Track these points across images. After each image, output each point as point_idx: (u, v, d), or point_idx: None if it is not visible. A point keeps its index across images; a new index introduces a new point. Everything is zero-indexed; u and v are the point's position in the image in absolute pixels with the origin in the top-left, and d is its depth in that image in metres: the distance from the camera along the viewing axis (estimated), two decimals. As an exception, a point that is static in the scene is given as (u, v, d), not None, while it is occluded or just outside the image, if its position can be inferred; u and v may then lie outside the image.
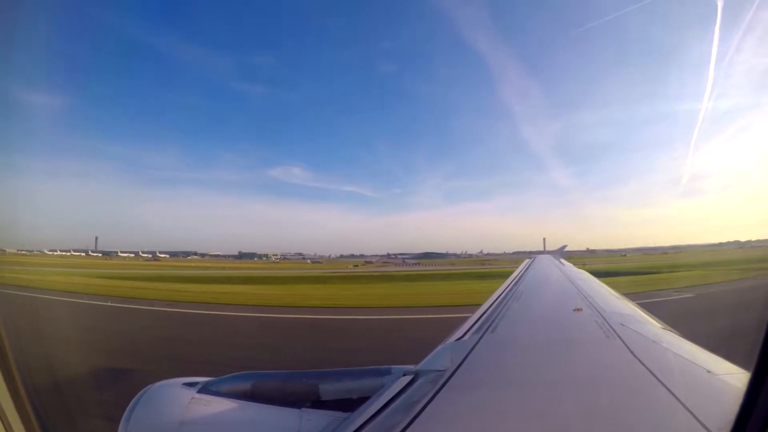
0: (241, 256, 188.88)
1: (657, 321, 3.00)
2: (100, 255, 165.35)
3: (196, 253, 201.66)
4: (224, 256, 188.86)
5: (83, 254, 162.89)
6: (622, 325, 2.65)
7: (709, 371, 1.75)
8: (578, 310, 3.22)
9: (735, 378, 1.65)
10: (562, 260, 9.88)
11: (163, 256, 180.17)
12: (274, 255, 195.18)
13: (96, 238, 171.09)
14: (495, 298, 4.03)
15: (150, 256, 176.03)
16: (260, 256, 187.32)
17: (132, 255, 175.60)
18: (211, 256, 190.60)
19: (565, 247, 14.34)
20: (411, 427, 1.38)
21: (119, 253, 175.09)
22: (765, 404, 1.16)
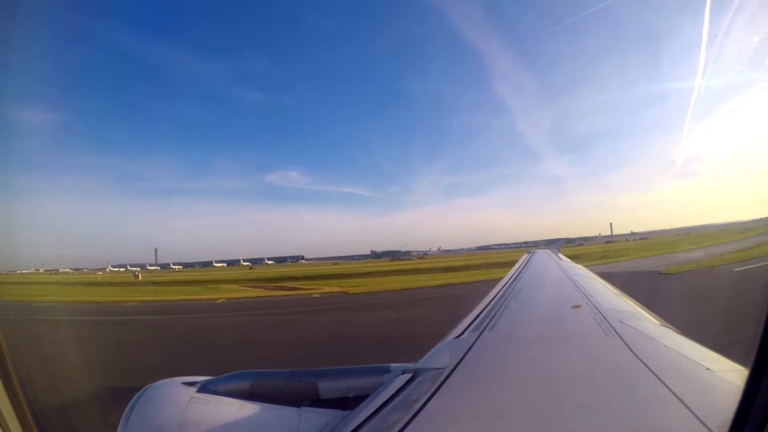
0: (377, 255, 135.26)
1: (655, 318, 2.93)
2: (180, 268, 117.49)
3: (303, 257, 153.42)
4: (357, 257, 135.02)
5: (158, 268, 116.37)
6: (621, 322, 2.60)
7: (707, 368, 1.73)
8: (577, 307, 3.15)
9: (733, 375, 1.62)
10: (560, 254, 9.52)
11: (270, 262, 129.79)
12: (415, 252, 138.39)
13: (156, 250, 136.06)
14: (494, 295, 3.96)
15: (249, 264, 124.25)
16: (403, 254, 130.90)
17: (224, 264, 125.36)
18: (342, 258, 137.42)
19: (561, 240, 13.26)
20: (410, 425, 1.36)
21: (214, 264, 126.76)
22: (763, 401, 1.14)
